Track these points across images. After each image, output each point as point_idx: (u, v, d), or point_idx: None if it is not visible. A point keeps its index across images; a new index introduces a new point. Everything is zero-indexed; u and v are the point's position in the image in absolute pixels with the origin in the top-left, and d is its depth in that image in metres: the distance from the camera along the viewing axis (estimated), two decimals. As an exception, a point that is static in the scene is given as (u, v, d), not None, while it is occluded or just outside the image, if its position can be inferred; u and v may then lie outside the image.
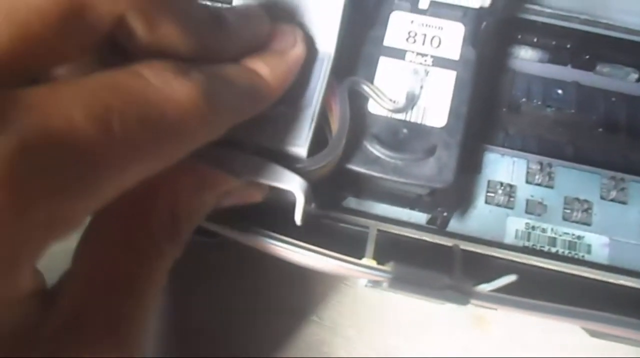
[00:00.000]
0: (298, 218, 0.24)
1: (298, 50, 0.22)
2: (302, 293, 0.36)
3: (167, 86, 0.15)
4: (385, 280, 0.24)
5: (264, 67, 0.21)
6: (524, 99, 0.34)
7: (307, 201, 0.23)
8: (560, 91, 0.35)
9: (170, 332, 0.36)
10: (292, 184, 0.23)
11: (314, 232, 0.29)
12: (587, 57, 0.35)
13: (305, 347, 0.35)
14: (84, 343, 0.16)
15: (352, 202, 0.31)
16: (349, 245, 0.28)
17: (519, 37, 0.35)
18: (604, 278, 0.30)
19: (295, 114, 0.23)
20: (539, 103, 0.34)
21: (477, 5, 0.28)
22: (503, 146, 0.33)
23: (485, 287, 0.24)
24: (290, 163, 0.23)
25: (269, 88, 0.21)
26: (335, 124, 0.25)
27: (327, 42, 0.25)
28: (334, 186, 0.29)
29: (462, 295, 0.24)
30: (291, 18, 0.24)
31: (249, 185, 0.23)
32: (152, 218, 0.18)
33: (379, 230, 0.30)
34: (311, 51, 0.24)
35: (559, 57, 0.35)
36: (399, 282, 0.24)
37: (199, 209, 0.20)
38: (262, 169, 0.23)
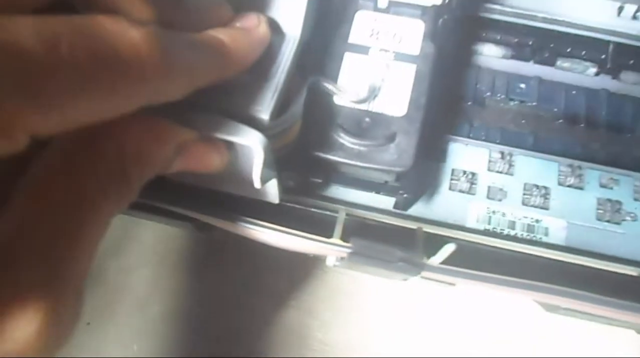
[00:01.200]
0: (257, 175, 0.24)
1: (261, 30, 0.24)
2: (282, 281, 0.38)
3: (121, 28, 0.16)
4: (345, 254, 0.26)
5: (226, 36, 0.22)
6: (488, 93, 0.37)
7: (267, 159, 0.23)
8: (522, 85, 0.37)
9: (156, 316, 0.38)
10: (250, 138, 0.23)
11: (287, 218, 0.31)
12: (548, 53, 0.37)
13: (283, 329, 0.37)
14: (12, 270, 0.16)
15: (326, 189, 0.34)
16: (320, 229, 0.31)
17: (483, 35, 0.37)
18: (560, 258, 0.32)
19: (260, 84, 0.24)
20: (503, 97, 0.37)
21: (429, 4, 0.30)
22: (468, 137, 0.35)
23: (434, 260, 0.26)
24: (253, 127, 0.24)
25: (229, 55, 0.22)
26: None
27: (293, 26, 0.27)
28: (306, 173, 0.31)
29: (413, 267, 0.26)
30: (261, 5, 0.26)
31: (205, 146, 0.22)
32: (99, 160, 0.18)
33: (347, 215, 0.32)
34: (278, 34, 0.26)
35: (522, 54, 0.37)
36: (357, 256, 0.26)
37: (150, 158, 0.20)
38: (220, 125, 0.23)
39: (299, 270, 0.38)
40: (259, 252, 0.35)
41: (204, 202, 0.30)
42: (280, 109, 0.25)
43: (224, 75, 0.22)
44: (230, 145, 0.23)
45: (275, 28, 0.26)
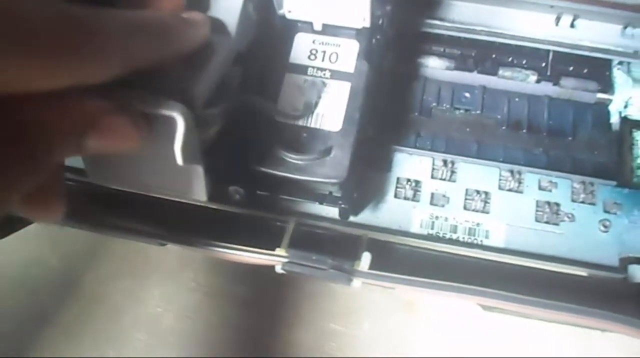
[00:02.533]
0: (178, 148, 0.24)
1: (203, 25, 0.25)
2: (245, 285, 0.40)
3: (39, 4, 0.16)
4: (281, 263, 0.28)
5: (171, 20, 0.22)
6: (434, 104, 0.38)
7: (189, 135, 0.24)
8: (467, 94, 0.39)
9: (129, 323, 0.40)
10: (172, 108, 0.23)
11: (241, 230, 0.34)
12: (490, 63, 0.39)
13: (246, 332, 0.39)
14: None
15: (277, 202, 0.36)
16: (273, 239, 0.33)
17: (427, 48, 0.39)
18: (500, 259, 0.34)
19: (192, 72, 0.26)
20: (448, 106, 0.38)
21: (359, 26, 0.32)
22: (414, 147, 0.37)
23: (362, 266, 0.28)
24: None
25: (170, 39, 0.22)
26: None
27: (228, 27, 0.29)
28: (252, 187, 0.34)
29: (344, 274, 0.28)
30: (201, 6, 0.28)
31: (121, 118, 0.22)
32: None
33: (297, 225, 0.34)
34: (216, 33, 0.28)
35: (465, 65, 0.39)
36: (293, 265, 0.28)
37: (56, 128, 0.19)
38: (140, 98, 0.23)
39: (263, 277, 0.40)
40: (225, 262, 0.37)
41: (156, 218, 0.32)
42: (209, 102, 0.27)
43: (161, 59, 0.22)
44: (152, 123, 0.24)
45: (214, 28, 0.27)
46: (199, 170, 0.29)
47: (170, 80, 0.25)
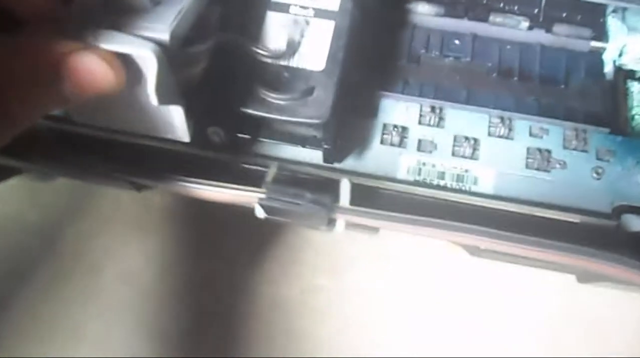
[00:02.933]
0: (152, 88, 0.24)
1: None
2: (231, 241, 0.39)
3: None
4: (260, 200, 0.28)
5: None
6: (423, 51, 0.37)
7: (163, 74, 0.24)
8: (457, 41, 0.37)
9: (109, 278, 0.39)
10: (142, 47, 0.23)
11: (221, 174, 0.33)
12: (481, 9, 0.37)
13: (232, 286, 0.39)
14: None
15: (258, 145, 0.35)
16: (254, 185, 0.32)
17: (416, -7, 0.38)
18: (488, 205, 0.33)
19: (168, 8, 0.25)
20: (437, 53, 0.37)
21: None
22: (402, 94, 0.36)
23: (342, 202, 0.27)
24: None
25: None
26: None
27: None
28: (232, 128, 0.33)
29: (323, 208, 0.27)
30: None
31: (95, 60, 0.21)
32: None
33: (279, 169, 0.33)
34: None
35: (455, 11, 0.38)
36: (271, 201, 0.27)
37: (26, 75, 0.19)
38: (113, 37, 0.23)
39: (246, 230, 0.39)
40: (207, 215, 0.37)
41: (135, 163, 0.31)
42: (188, 42, 0.26)
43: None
44: (126, 63, 0.23)
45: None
46: (179, 111, 0.28)
47: (143, 18, 0.24)
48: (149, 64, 0.24)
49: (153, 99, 0.25)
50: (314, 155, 0.34)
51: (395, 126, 0.35)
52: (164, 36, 0.24)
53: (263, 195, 0.28)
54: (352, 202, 0.31)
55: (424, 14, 0.38)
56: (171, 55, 0.25)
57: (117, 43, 0.23)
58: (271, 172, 0.32)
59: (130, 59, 0.23)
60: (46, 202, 0.42)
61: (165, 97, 0.26)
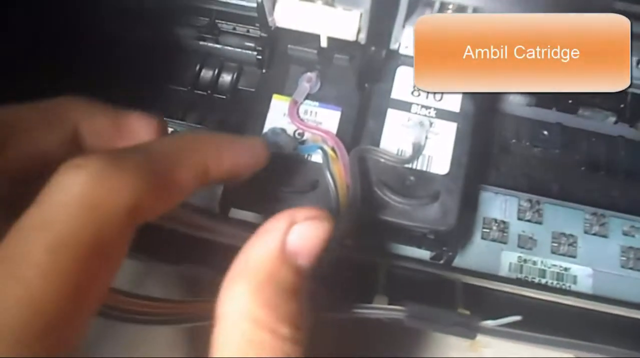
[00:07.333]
0: None
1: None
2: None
3: None
4: (401, 317, 0.27)
5: None
6: (513, 140, 0.38)
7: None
8: (546, 132, 0.38)
9: None
10: None
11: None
12: (570, 101, 0.38)
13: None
14: None
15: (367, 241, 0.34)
16: (359, 278, 0.31)
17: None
18: (589, 307, 0.33)
19: None
20: (527, 143, 0.38)
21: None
22: (496, 185, 0.36)
23: (490, 323, 0.27)
24: None
25: None
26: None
27: None
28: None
29: (469, 330, 0.26)
30: None
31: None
32: None
33: (390, 266, 0.32)
34: None
35: (544, 101, 0.38)
36: (414, 320, 0.27)
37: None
38: None
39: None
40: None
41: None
42: None
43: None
44: None
45: None
46: None
47: None
48: None
49: None
50: (417, 251, 0.34)
51: (495, 220, 0.35)
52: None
53: (403, 313, 0.27)
54: (466, 303, 0.31)
55: (514, 103, 0.38)
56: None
57: None
58: (381, 272, 0.32)
59: None
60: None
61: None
